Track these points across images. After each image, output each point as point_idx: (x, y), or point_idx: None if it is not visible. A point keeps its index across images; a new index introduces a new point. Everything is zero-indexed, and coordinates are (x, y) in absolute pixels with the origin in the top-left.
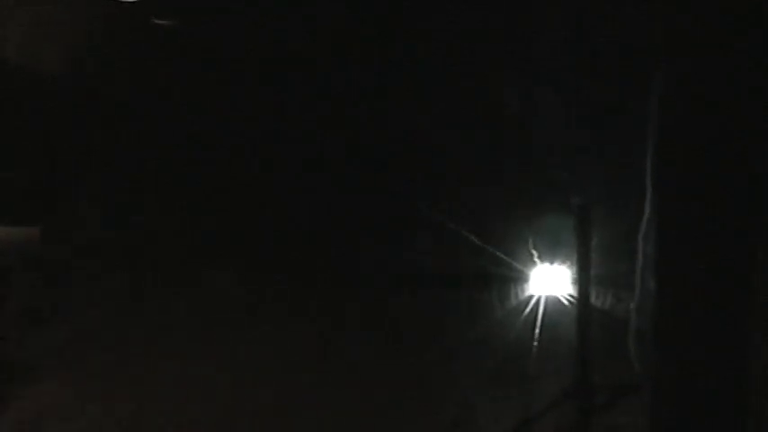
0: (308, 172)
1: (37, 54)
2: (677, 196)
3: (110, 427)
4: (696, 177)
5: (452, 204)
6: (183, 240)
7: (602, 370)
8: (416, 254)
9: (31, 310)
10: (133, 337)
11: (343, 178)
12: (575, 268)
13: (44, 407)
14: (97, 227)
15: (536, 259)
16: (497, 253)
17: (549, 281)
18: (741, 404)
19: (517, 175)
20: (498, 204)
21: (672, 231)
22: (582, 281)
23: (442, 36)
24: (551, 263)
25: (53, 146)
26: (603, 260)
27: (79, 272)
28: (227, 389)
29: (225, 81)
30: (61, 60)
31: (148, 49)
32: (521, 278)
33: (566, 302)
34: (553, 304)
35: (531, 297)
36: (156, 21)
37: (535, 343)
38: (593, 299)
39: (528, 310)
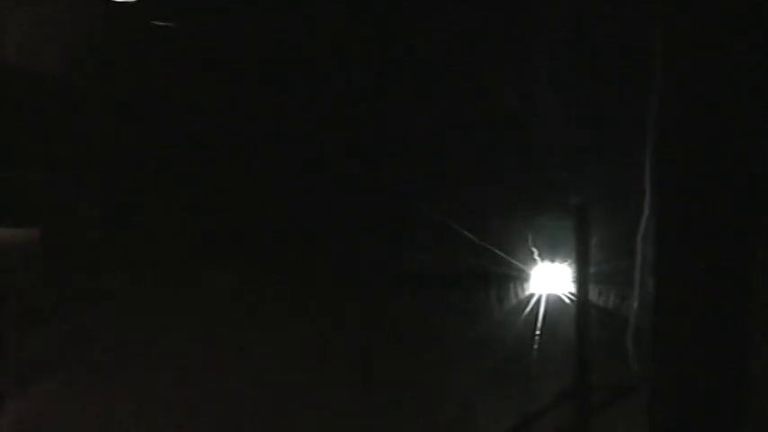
0: (308, 172)
1: (37, 54)
2: (677, 196)
3: (110, 428)
4: (696, 177)
5: (452, 204)
6: (182, 240)
7: (603, 370)
8: (416, 254)
9: (31, 310)
10: (133, 337)
11: (343, 178)
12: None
13: (44, 407)
14: (97, 227)
15: (536, 258)
16: (498, 252)
17: (550, 279)
18: (741, 404)
19: (517, 175)
20: (498, 204)
21: (671, 231)
22: (580, 282)
23: (442, 36)
24: (552, 261)
25: (53, 146)
26: (606, 258)
27: (79, 272)
28: (227, 389)
29: (225, 81)
30: (61, 60)
31: (148, 49)
32: (521, 277)
33: (567, 301)
34: (554, 303)
35: (531, 296)
36: (156, 22)
37: (535, 344)
38: (597, 298)
39: (529, 309)
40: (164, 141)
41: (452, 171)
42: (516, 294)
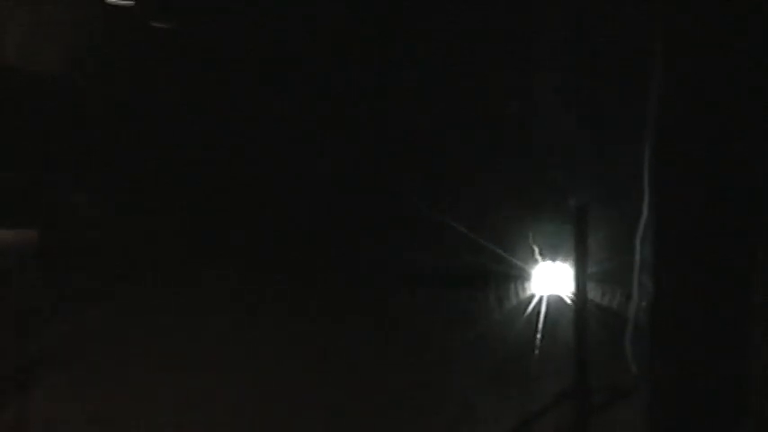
0: (308, 172)
1: (37, 54)
2: (676, 196)
3: (110, 428)
4: (695, 177)
5: (452, 204)
6: (182, 240)
7: (604, 370)
8: (416, 254)
9: (31, 310)
10: (133, 337)
11: (343, 178)
12: (574, 267)
13: (44, 407)
14: (97, 227)
15: (537, 257)
16: (498, 251)
17: (552, 279)
18: (741, 404)
19: (517, 175)
20: (498, 204)
21: (671, 231)
22: (579, 283)
23: (442, 36)
24: (553, 260)
25: (53, 146)
26: (609, 257)
27: (79, 272)
28: (226, 389)
29: (225, 81)
30: (61, 60)
31: (148, 49)
32: (522, 276)
33: (568, 301)
34: (555, 303)
35: (533, 295)
36: (156, 22)
37: (536, 345)
38: (600, 297)
39: (530, 309)
40: (164, 141)
41: (452, 171)
42: (517, 294)
